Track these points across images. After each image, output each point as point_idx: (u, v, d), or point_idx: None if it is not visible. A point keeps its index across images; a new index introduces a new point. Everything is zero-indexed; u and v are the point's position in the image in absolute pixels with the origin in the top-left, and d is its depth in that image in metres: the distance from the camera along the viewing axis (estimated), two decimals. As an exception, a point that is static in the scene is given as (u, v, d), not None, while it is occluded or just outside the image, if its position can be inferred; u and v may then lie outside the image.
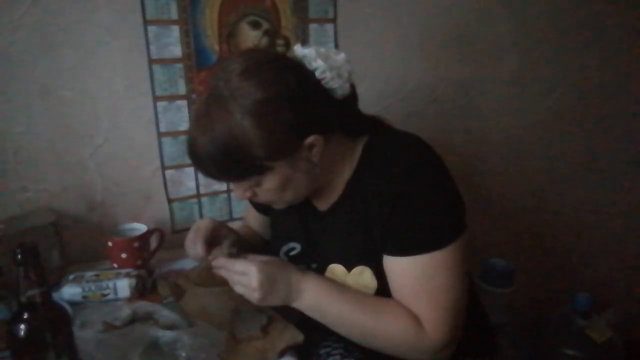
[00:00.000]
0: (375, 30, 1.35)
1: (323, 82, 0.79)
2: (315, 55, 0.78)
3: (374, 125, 0.88)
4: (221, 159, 0.74)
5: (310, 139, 0.76)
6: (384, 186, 0.78)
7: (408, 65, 1.42)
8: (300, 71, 0.78)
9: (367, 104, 0.89)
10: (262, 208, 1.07)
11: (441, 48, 1.44)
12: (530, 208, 1.76)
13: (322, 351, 0.92)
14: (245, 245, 1.00)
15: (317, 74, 0.78)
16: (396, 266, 0.79)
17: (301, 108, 0.75)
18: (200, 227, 0.90)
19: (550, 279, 1.83)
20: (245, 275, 0.78)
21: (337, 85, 0.79)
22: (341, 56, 0.80)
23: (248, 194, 0.81)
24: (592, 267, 1.89)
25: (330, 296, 0.81)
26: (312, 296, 0.81)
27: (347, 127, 0.85)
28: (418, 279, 0.77)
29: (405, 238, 0.77)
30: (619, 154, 1.80)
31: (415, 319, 0.77)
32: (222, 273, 0.82)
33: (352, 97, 0.85)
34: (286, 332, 0.86)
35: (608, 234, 1.88)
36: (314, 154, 0.78)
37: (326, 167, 0.82)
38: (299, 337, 0.85)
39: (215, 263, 0.83)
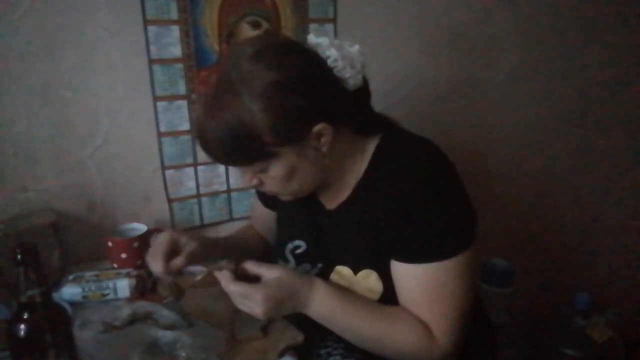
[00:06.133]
0: (375, 30, 1.35)
1: (335, 70, 0.78)
2: (328, 44, 0.78)
3: (387, 126, 0.88)
4: (228, 142, 0.73)
5: (318, 127, 0.75)
6: (396, 192, 0.77)
7: (408, 65, 1.42)
8: (312, 57, 0.77)
9: (367, 104, 0.89)
10: (269, 201, 1.06)
11: (441, 48, 1.44)
12: (531, 208, 1.76)
13: (323, 351, 0.92)
14: (222, 247, 0.98)
15: (329, 62, 0.78)
16: (405, 273, 0.79)
17: (311, 94, 0.74)
18: (159, 241, 0.87)
19: (550, 279, 1.83)
20: (250, 301, 0.76)
21: (348, 74, 0.78)
22: (355, 48, 0.80)
23: (255, 181, 0.81)
24: (592, 267, 1.90)
25: (338, 309, 0.80)
26: (319, 310, 0.80)
27: (358, 122, 0.84)
28: (427, 287, 0.77)
29: (416, 246, 0.77)
30: (619, 154, 1.80)
31: (425, 327, 0.77)
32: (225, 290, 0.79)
33: (365, 91, 0.84)
34: (286, 332, 0.86)
35: (608, 234, 1.88)
36: (322, 144, 0.77)
37: (335, 162, 0.81)
38: (299, 337, 0.85)
39: (220, 279, 0.79)
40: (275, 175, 0.78)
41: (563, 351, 1.52)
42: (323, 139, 0.77)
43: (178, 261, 0.86)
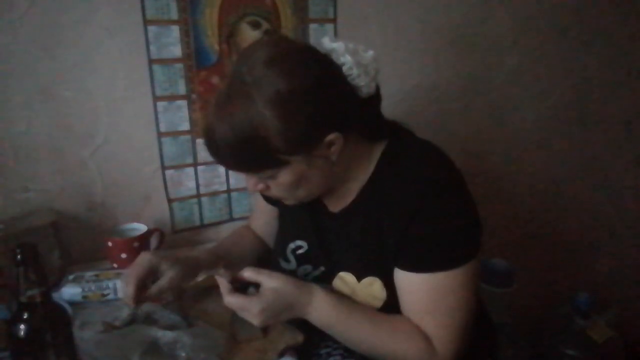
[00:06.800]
0: (375, 30, 1.35)
1: (349, 78, 0.77)
2: (343, 50, 0.76)
3: (394, 131, 0.87)
4: (238, 148, 0.72)
5: (330, 137, 0.74)
6: (402, 198, 0.77)
7: (408, 65, 1.42)
8: (327, 65, 0.76)
9: (367, 104, 0.89)
10: (272, 199, 1.06)
11: (441, 48, 1.44)
12: (530, 208, 1.76)
13: (323, 351, 0.92)
14: (210, 265, 0.94)
15: (344, 69, 0.76)
16: (408, 282, 0.78)
17: (325, 103, 0.73)
18: (136, 265, 0.84)
19: (550, 279, 1.83)
20: (247, 312, 0.77)
21: (363, 83, 0.77)
22: (370, 54, 0.78)
23: (260, 186, 0.80)
24: (592, 267, 1.90)
25: (338, 319, 0.79)
26: (318, 319, 0.80)
27: (367, 128, 0.83)
28: (430, 297, 0.76)
29: (420, 255, 0.76)
30: (619, 154, 1.80)
31: (426, 338, 0.77)
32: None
33: (376, 97, 0.83)
34: (286, 332, 0.86)
35: (608, 234, 1.88)
36: (332, 152, 0.76)
37: (342, 168, 0.81)
38: (299, 338, 0.85)
39: (221, 291, 0.79)
40: (283, 182, 0.77)
41: (563, 351, 1.52)
42: (333, 148, 0.76)
43: (154, 289, 0.84)
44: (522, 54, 1.55)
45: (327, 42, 0.79)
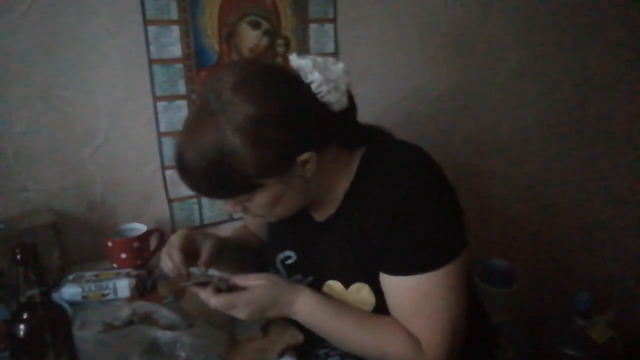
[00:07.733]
0: (375, 30, 1.35)
1: (319, 96, 0.75)
2: (311, 68, 0.75)
3: (372, 136, 0.86)
4: (210, 176, 0.72)
5: (303, 156, 0.74)
6: (382, 203, 0.76)
7: (408, 65, 1.42)
8: (295, 85, 0.74)
9: (367, 104, 0.89)
10: None
11: (441, 48, 1.44)
12: (530, 208, 1.76)
13: (321, 351, 0.92)
14: (231, 246, 0.97)
15: (313, 87, 0.75)
16: (393, 285, 0.78)
17: (295, 125, 0.72)
18: (174, 240, 0.86)
19: (550, 279, 1.83)
20: (234, 307, 0.78)
21: (334, 99, 0.76)
22: (339, 67, 0.77)
23: (238, 208, 0.80)
24: (592, 267, 1.90)
25: (324, 318, 0.80)
26: (304, 318, 0.81)
27: (343, 139, 0.82)
28: (416, 299, 0.76)
29: (403, 258, 0.76)
30: (619, 154, 1.80)
31: (414, 339, 0.77)
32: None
33: (350, 109, 0.82)
34: (286, 332, 0.86)
35: (608, 234, 1.88)
36: (307, 170, 0.76)
37: (321, 180, 0.80)
38: (299, 337, 0.85)
39: (201, 296, 0.80)
40: (259, 204, 0.77)
41: (563, 351, 1.52)
42: (308, 166, 0.76)
43: (204, 256, 0.85)
44: (522, 54, 1.56)
45: (294, 59, 0.78)
